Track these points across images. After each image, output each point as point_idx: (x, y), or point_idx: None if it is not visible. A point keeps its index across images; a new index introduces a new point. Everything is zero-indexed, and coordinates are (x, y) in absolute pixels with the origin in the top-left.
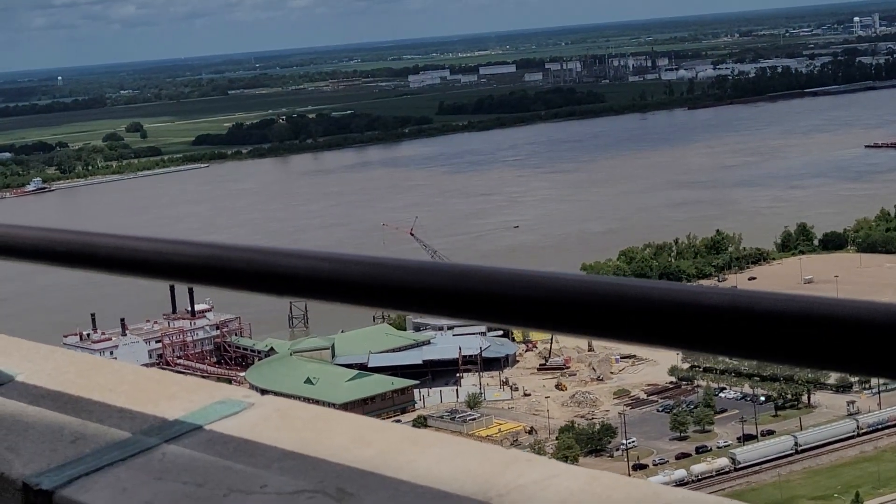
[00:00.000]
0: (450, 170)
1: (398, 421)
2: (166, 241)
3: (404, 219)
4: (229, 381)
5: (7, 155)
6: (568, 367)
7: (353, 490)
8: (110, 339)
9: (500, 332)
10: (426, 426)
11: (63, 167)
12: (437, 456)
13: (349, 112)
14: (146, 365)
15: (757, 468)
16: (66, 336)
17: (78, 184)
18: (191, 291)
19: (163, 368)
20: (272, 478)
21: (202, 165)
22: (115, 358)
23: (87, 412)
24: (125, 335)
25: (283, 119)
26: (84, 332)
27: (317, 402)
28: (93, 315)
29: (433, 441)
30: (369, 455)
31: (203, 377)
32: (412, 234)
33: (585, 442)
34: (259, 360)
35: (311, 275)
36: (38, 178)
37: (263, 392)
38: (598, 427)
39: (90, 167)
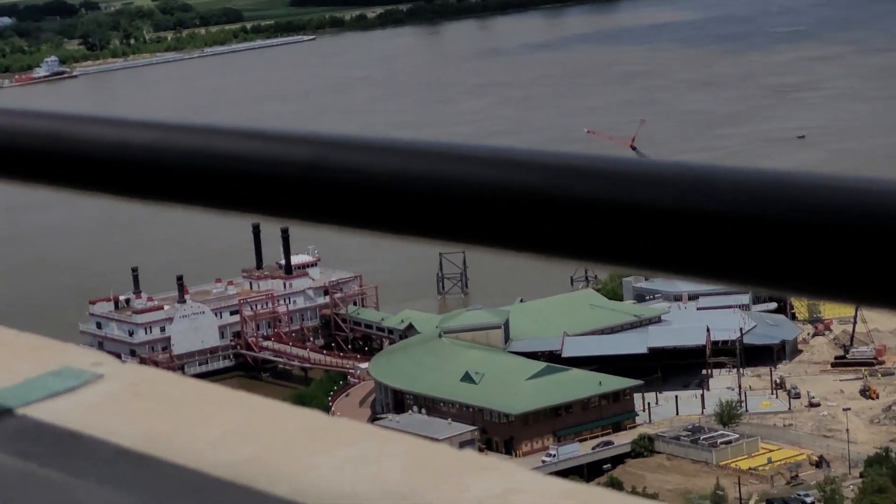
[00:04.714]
0: (688, 47)
1: (608, 443)
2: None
3: (617, 124)
4: (344, 377)
5: (7, 20)
6: (881, 363)
7: None
8: (161, 307)
9: (774, 306)
10: (652, 451)
11: (92, 40)
12: (347, 457)
13: None
14: (217, 348)
15: None
16: (93, 303)
17: (113, 66)
18: (285, 236)
19: (242, 353)
20: (91, 491)
21: (305, 38)
22: (169, 336)
23: None
24: (184, 301)
25: None
26: (121, 298)
27: (480, 410)
28: (134, 270)
29: (351, 435)
30: (247, 455)
31: (303, 368)
32: (633, 147)
33: None
34: (390, 343)
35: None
36: (54, 58)
37: (393, 392)
38: None
39: (133, 40)
